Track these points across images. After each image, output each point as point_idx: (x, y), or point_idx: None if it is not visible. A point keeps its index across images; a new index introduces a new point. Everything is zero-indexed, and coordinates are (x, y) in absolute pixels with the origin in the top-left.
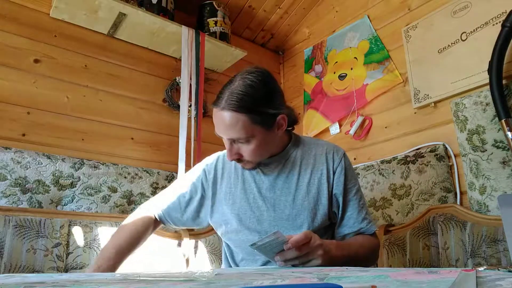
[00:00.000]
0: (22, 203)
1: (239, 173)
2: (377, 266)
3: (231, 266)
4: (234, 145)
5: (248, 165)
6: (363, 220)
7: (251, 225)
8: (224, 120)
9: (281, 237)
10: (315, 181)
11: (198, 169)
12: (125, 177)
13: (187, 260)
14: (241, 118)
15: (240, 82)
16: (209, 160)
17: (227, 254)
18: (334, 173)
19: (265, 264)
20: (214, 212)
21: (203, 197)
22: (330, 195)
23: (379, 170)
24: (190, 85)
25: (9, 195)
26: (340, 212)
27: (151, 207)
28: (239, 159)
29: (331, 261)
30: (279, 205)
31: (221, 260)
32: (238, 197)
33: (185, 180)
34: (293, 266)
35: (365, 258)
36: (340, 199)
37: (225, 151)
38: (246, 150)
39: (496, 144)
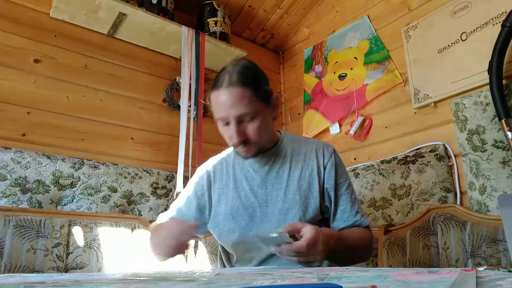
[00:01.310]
0: (22, 203)
1: (230, 173)
2: (377, 266)
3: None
4: (241, 125)
5: (251, 150)
6: (356, 214)
7: (243, 223)
8: (230, 97)
9: (285, 238)
10: (306, 176)
11: (192, 182)
12: (125, 177)
13: (187, 260)
14: (246, 92)
15: (235, 66)
16: (200, 169)
17: (223, 256)
18: (324, 168)
19: (259, 264)
20: (211, 216)
21: (202, 208)
22: (322, 190)
23: (379, 170)
24: (190, 85)
25: (9, 195)
26: (333, 207)
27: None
28: (245, 141)
29: (330, 251)
30: (271, 200)
31: None
32: (230, 196)
33: (184, 197)
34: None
35: (364, 250)
36: (332, 194)
37: (214, 158)
38: (252, 128)
39: (496, 144)
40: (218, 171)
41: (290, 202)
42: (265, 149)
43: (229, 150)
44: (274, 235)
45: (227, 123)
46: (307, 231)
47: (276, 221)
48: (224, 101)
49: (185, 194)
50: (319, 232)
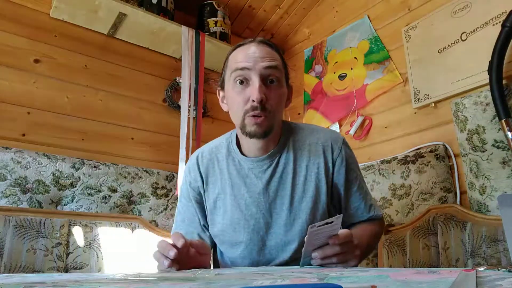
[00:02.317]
0: (22, 203)
1: (226, 175)
2: (377, 266)
3: None
4: (262, 86)
5: (264, 122)
6: (370, 208)
7: (247, 236)
8: (262, 50)
9: (335, 227)
10: (312, 177)
11: (185, 187)
12: (125, 177)
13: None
14: (277, 56)
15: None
16: (190, 169)
17: (219, 260)
18: (333, 164)
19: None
20: (208, 222)
21: (202, 211)
22: (330, 189)
23: (379, 170)
24: (190, 85)
25: (9, 195)
26: (343, 204)
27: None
28: (264, 106)
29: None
30: (275, 209)
31: None
32: (228, 204)
33: (183, 208)
34: (327, 265)
35: (375, 243)
36: (342, 191)
37: (202, 152)
38: (273, 94)
39: (496, 144)
40: (211, 171)
41: (296, 211)
42: (273, 140)
43: (218, 144)
44: (332, 221)
45: (245, 81)
46: (347, 230)
47: (283, 232)
48: (255, 51)
49: (184, 206)
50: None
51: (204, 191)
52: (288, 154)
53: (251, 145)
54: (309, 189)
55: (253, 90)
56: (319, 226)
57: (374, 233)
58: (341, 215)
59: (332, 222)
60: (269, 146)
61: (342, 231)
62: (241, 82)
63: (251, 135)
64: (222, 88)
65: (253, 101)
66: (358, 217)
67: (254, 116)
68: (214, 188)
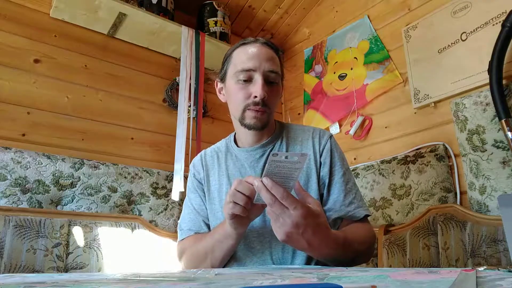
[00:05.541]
0: (22, 203)
1: (223, 168)
2: (377, 266)
3: None
4: (265, 85)
5: (264, 117)
6: (350, 204)
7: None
8: (266, 53)
9: (298, 166)
10: (303, 168)
11: (190, 180)
12: (125, 177)
13: None
14: (277, 59)
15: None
16: (195, 164)
17: None
18: (321, 155)
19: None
20: (209, 212)
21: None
22: (319, 178)
23: (379, 170)
24: (190, 85)
25: (9, 195)
26: (325, 195)
27: (187, 234)
28: (264, 102)
29: (323, 249)
30: None
31: None
32: (224, 193)
33: (190, 197)
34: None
35: (362, 244)
36: (326, 181)
37: (205, 150)
38: (272, 92)
39: (496, 144)
40: (211, 166)
41: None
42: (268, 133)
43: (220, 145)
44: (295, 158)
45: (248, 80)
46: (317, 203)
47: None
48: (260, 53)
49: (191, 199)
50: (326, 221)
51: (205, 183)
52: (281, 145)
53: (248, 136)
54: (301, 178)
55: (257, 88)
56: (283, 156)
57: (360, 231)
58: (307, 154)
59: (295, 159)
60: (263, 138)
61: (307, 201)
62: (245, 81)
63: (249, 127)
64: (222, 80)
65: (255, 97)
66: (336, 211)
67: (255, 110)
68: (213, 180)
